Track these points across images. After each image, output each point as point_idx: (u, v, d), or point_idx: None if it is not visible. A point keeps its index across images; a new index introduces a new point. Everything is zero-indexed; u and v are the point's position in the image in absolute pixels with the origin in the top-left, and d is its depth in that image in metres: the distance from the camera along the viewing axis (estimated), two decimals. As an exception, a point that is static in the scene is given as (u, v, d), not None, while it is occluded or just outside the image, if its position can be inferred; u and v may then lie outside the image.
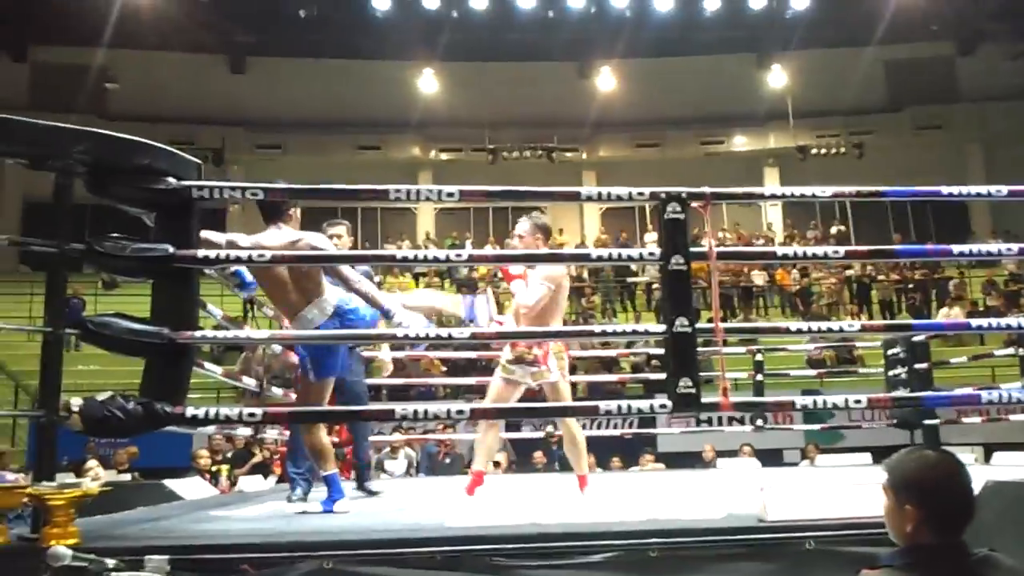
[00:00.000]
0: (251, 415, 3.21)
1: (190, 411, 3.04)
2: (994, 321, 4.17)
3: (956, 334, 13.89)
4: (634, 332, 3.96)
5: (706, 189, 3.28)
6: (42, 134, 3.08)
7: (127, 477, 8.74)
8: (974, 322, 7.10)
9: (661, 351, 3.83)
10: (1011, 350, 6.99)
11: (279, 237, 3.95)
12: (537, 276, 4.67)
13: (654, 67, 20.81)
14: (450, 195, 3.34)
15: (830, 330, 3.31)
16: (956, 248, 3.77)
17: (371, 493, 5.34)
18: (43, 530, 2.63)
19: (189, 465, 8.64)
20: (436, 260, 3.53)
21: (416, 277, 17.48)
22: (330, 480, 4.14)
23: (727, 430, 9.47)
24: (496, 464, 9.39)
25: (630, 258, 4.11)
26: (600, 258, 3.81)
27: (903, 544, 1.96)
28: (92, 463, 7.93)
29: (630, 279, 17.97)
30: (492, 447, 5.12)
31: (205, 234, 3.63)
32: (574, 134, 21.40)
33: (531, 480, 7.43)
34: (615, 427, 10.80)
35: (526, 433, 10.04)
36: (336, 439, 6.04)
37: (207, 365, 4.93)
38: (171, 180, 3.14)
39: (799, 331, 3.78)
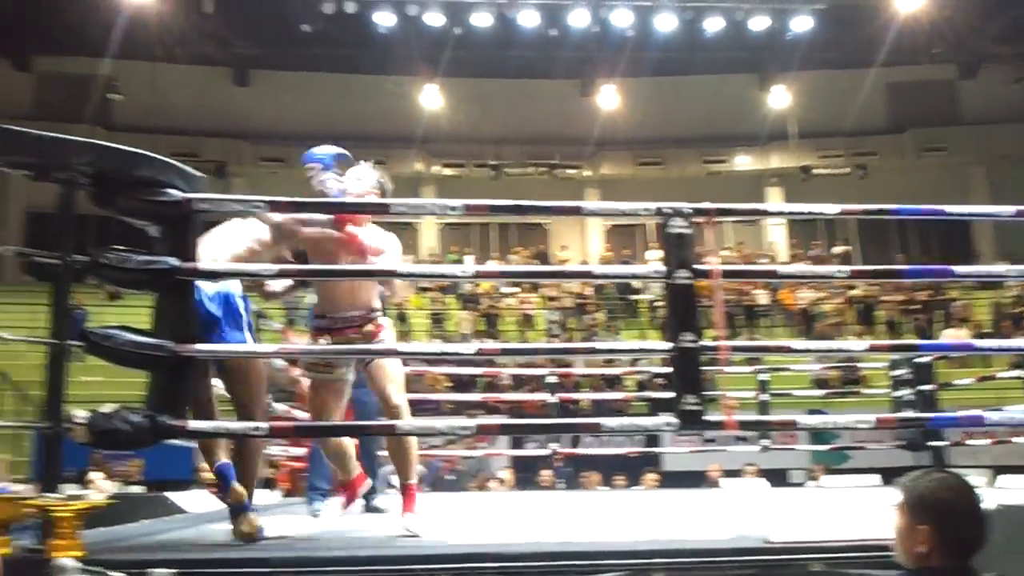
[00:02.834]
0: (256, 429, 3.20)
1: (193, 424, 3.03)
2: (999, 343, 4.16)
3: (961, 356, 13.85)
4: (639, 349, 3.93)
5: (710, 205, 3.25)
6: (47, 145, 3.07)
7: (140, 489, 8.71)
8: (979, 343, 7.10)
9: (666, 370, 3.80)
10: (1017, 372, 6.95)
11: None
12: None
13: (656, 86, 20.86)
14: (453, 209, 3.32)
15: (839, 349, 3.27)
16: (962, 269, 3.75)
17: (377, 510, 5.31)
18: (48, 542, 2.61)
19: (191, 478, 8.61)
20: (441, 276, 3.50)
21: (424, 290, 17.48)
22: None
23: (732, 449, 9.38)
24: (501, 481, 9.35)
25: (634, 275, 4.09)
26: (604, 275, 3.79)
27: (912, 566, 1.94)
28: (96, 475, 7.90)
29: (633, 296, 17.97)
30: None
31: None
32: (576, 151, 21.43)
33: (536, 498, 7.38)
34: (619, 445, 10.72)
35: (530, 451, 9.94)
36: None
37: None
38: (174, 192, 3.14)
39: (805, 350, 3.75)
